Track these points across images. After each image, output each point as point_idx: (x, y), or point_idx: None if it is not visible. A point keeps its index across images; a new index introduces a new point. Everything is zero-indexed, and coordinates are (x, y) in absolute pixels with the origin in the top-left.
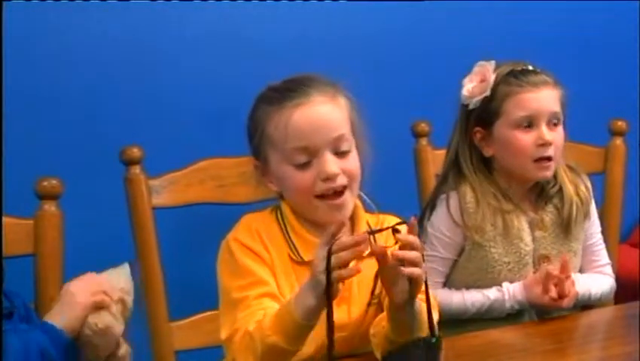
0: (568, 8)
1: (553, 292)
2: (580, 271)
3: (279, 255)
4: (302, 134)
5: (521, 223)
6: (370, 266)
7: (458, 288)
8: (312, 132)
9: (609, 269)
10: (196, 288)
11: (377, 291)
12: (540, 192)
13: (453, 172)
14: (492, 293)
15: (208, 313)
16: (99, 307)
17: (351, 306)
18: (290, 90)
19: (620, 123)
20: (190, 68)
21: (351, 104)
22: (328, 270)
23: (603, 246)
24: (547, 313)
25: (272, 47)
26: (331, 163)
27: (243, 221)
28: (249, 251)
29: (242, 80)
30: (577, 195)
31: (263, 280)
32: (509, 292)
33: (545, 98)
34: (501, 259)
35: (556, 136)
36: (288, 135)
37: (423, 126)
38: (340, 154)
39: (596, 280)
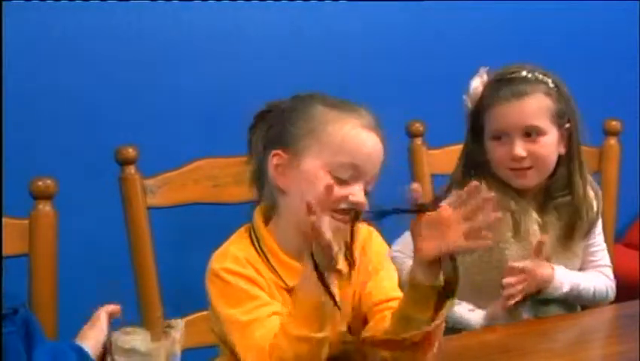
0: (564, 9)
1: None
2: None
3: (268, 280)
4: (358, 153)
5: (532, 225)
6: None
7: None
8: (366, 155)
9: (608, 271)
10: (190, 288)
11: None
12: (547, 196)
13: (465, 173)
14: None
15: (203, 312)
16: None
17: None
18: (356, 111)
19: (614, 123)
20: (186, 68)
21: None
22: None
23: (604, 247)
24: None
25: (268, 47)
26: (360, 194)
27: (228, 252)
28: (244, 278)
29: (237, 81)
30: (587, 212)
31: (267, 301)
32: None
33: (518, 111)
34: (515, 260)
35: (536, 148)
36: (344, 149)
37: (418, 126)
38: (367, 186)
39: (587, 276)
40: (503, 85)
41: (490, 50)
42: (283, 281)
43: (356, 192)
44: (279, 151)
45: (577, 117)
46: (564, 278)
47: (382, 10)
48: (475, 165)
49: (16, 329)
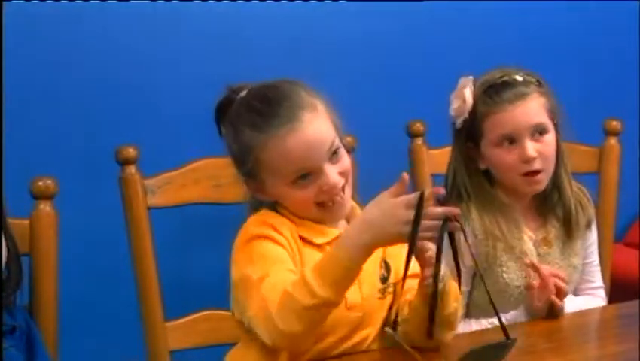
0: (564, 8)
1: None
2: (574, 290)
3: (289, 237)
4: (299, 158)
5: (526, 245)
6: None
7: (474, 311)
8: (309, 154)
9: (602, 292)
10: (191, 288)
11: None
12: (543, 202)
13: (455, 194)
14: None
15: (204, 313)
16: None
17: (362, 285)
18: (276, 115)
19: (614, 123)
20: (186, 67)
21: (327, 105)
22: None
23: (599, 268)
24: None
25: (269, 46)
26: (332, 174)
27: (252, 219)
28: (264, 238)
29: (237, 80)
30: (579, 202)
31: (282, 259)
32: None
33: (523, 112)
34: (512, 283)
35: (543, 147)
36: (286, 162)
37: (418, 126)
38: (335, 160)
39: (589, 304)
40: (501, 89)
41: (490, 50)
42: (305, 240)
43: (324, 178)
44: (246, 182)
45: (560, 113)
46: (569, 309)
47: (383, 10)
48: (459, 185)
49: (16, 343)
